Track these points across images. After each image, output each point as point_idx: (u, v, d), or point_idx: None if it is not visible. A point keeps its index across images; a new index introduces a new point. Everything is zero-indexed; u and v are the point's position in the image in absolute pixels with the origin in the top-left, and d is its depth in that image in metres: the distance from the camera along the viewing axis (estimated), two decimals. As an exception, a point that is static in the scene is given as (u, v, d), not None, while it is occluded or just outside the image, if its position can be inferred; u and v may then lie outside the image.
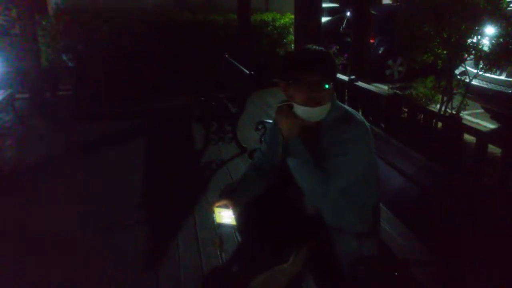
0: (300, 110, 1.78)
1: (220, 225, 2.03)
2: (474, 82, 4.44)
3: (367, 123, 1.84)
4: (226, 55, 5.58)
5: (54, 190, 3.75)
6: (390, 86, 5.43)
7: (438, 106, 4.43)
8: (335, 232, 1.91)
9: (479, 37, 3.93)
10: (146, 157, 4.58)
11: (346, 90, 4.99)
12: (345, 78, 4.97)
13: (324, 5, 10.17)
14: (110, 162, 4.42)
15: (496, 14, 3.81)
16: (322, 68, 1.74)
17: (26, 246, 2.87)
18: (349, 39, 7.90)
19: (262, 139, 4.17)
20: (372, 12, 8.84)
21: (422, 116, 4.22)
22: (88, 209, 3.37)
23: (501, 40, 3.78)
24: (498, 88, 4.99)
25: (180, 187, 3.82)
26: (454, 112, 4.26)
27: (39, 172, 4.17)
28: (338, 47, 7.49)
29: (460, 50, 4.06)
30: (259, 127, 4.42)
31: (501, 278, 1.86)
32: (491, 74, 4.45)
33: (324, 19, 9.27)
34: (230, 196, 2.02)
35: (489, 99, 5.22)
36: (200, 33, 7.80)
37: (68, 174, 4.12)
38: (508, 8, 4.01)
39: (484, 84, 5.08)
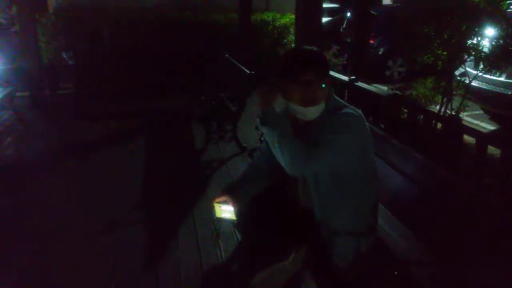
0: (294, 109, 1.80)
1: (220, 220, 2.06)
2: (474, 83, 4.45)
3: (363, 117, 1.83)
4: (227, 55, 5.59)
5: (53, 188, 3.75)
6: (390, 86, 5.46)
7: (438, 107, 4.45)
8: (334, 230, 1.92)
9: (479, 38, 3.94)
10: (146, 156, 4.58)
11: (346, 91, 5.00)
12: (345, 78, 4.97)
13: (325, 5, 10.17)
14: (110, 161, 4.42)
15: (496, 16, 3.83)
16: (316, 68, 1.77)
17: (24, 245, 2.87)
18: (349, 40, 7.91)
19: (262, 139, 4.20)
20: (372, 12, 8.86)
21: (421, 117, 4.22)
22: (88, 207, 3.37)
23: (501, 41, 3.79)
24: (498, 89, 5.01)
25: (180, 186, 3.82)
26: (453, 113, 4.28)
27: (38, 170, 4.16)
28: (338, 47, 7.49)
29: (460, 51, 4.08)
30: (259, 126, 4.42)
31: (501, 279, 1.87)
32: (491, 75, 4.48)
33: (324, 20, 9.29)
34: (231, 193, 2.05)
35: (489, 101, 5.24)
36: (201, 32, 7.81)
37: (68, 172, 4.11)
38: (508, 10, 4.03)
39: (483, 86, 5.10)
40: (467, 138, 3.64)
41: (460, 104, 4.30)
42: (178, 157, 4.56)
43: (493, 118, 5.74)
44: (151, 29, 7.58)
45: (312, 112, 1.80)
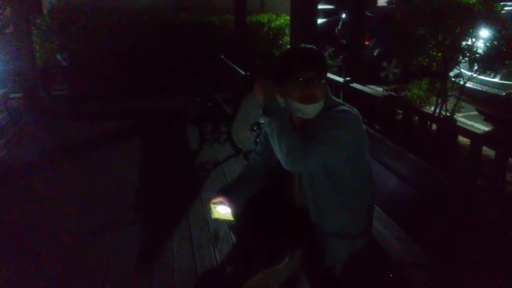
0: (294, 107, 1.81)
1: (217, 221, 2.07)
2: (469, 84, 4.46)
3: (359, 116, 1.83)
4: (222, 56, 5.58)
5: (47, 190, 3.72)
6: (385, 87, 5.45)
7: (433, 108, 4.45)
8: (329, 232, 1.91)
9: (473, 39, 3.95)
10: (141, 157, 4.57)
11: (341, 92, 5.00)
12: (340, 79, 4.97)
13: (320, 6, 10.20)
14: (104, 162, 4.40)
15: (491, 17, 3.83)
16: (316, 65, 1.78)
17: (18, 246, 2.85)
18: (344, 41, 7.93)
19: (257, 140, 4.19)
20: (368, 14, 8.88)
21: (416, 118, 4.23)
22: (82, 209, 3.35)
23: (496, 42, 3.80)
24: (492, 90, 5.02)
25: (174, 188, 3.80)
26: (448, 114, 4.28)
27: (32, 172, 4.14)
28: (333, 48, 7.49)
29: (454, 52, 4.08)
30: (254, 128, 4.42)
31: (496, 280, 1.87)
32: (485, 76, 4.48)
33: (319, 21, 9.30)
34: (226, 194, 2.06)
35: (483, 102, 5.25)
36: (196, 33, 7.80)
37: (62, 174, 4.09)
38: (503, 11, 4.04)
39: (478, 87, 5.11)
40: (461, 139, 3.64)
41: (455, 105, 4.30)
42: (173, 159, 4.55)
43: (487, 119, 5.75)
44: (146, 30, 7.57)
45: (311, 110, 1.80)
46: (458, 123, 3.87)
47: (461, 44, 4.01)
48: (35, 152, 4.68)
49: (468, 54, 4.00)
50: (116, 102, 6.76)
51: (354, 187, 1.88)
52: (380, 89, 5.84)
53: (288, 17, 7.84)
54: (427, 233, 2.28)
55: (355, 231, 1.92)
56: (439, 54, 4.14)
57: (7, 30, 6.86)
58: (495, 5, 3.91)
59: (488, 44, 3.86)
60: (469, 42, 3.98)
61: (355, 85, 4.80)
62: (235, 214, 2.02)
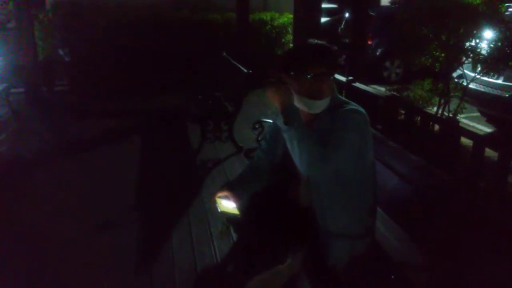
0: (302, 102, 1.80)
1: (223, 214, 2.08)
2: (471, 85, 4.45)
3: (367, 115, 1.83)
4: (224, 54, 5.56)
5: (47, 186, 3.72)
6: (388, 87, 5.44)
7: (435, 108, 4.44)
8: (332, 232, 1.90)
9: (477, 40, 3.93)
10: (142, 155, 4.56)
11: (344, 91, 4.98)
12: (343, 79, 4.96)
13: (323, 5, 10.16)
14: (105, 160, 4.39)
15: (495, 18, 3.82)
16: (327, 61, 1.79)
17: (16, 244, 2.84)
18: (347, 40, 7.90)
19: (259, 138, 4.18)
20: (371, 13, 8.84)
21: (419, 118, 4.22)
22: (82, 207, 3.34)
23: (499, 44, 3.78)
24: (495, 92, 5.01)
25: (175, 186, 3.80)
26: (451, 115, 4.27)
27: (32, 168, 4.13)
28: (336, 48, 7.47)
29: (458, 53, 4.07)
30: (256, 126, 4.41)
31: (497, 281, 1.86)
32: (488, 78, 4.47)
33: (322, 20, 9.26)
34: (231, 189, 2.06)
35: (486, 103, 5.23)
36: (198, 31, 7.78)
37: (62, 171, 4.08)
38: (507, 12, 4.02)
39: (481, 88, 5.09)
40: (464, 140, 3.64)
41: (458, 106, 4.29)
42: (174, 157, 4.54)
43: (490, 120, 5.74)
44: (149, 27, 7.54)
45: (318, 106, 1.81)
46: (461, 124, 3.86)
47: (464, 44, 4.00)
48: (36, 147, 4.67)
49: (471, 55, 3.99)
50: (118, 99, 6.75)
51: (359, 187, 1.87)
52: (382, 89, 5.83)
53: (291, 16, 7.82)
54: (428, 233, 2.27)
55: (357, 231, 1.91)
56: (442, 55, 4.13)
57: (9, 25, 6.86)
58: (499, 6, 3.90)
59: (491, 45, 3.84)
60: (473, 43, 3.97)
61: (357, 84, 4.80)
62: (239, 209, 2.02)
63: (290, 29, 8.51)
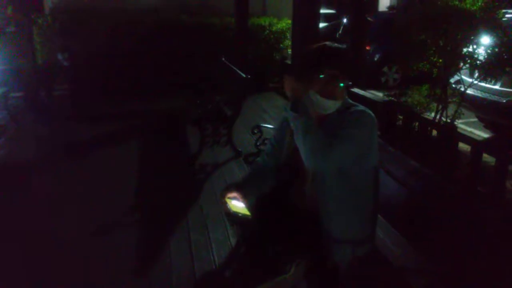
0: (314, 100, 1.85)
1: (235, 215, 2.04)
2: (469, 91, 4.47)
3: (374, 117, 1.86)
4: (223, 59, 5.58)
5: (45, 191, 3.71)
6: (385, 93, 5.45)
7: (433, 114, 4.46)
8: (334, 237, 1.90)
9: (474, 46, 3.95)
10: (140, 159, 4.55)
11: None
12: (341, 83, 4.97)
13: (321, 11, 10.20)
14: (103, 164, 4.39)
15: (492, 24, 3.84)
16: (342, 63, 1.86)
17: (13, 247, 2.84)
18: (345, 46, 7.93)
19: (258, 143, 4.18)
20: (369, 19, 8.88)
21: (417, 124, 4.23)
22: (80, 211, 3.34)
23: (497, 49, 3.81)
24: (493, 97, 5.02)
25: (173, 190, 3.79)
26: (448, 120, 4.28)
27: (31, 172, 4.12)
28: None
29: (455, 58, 4.09)
30: (255, 131, 4.41)
31: (495, 285, 1.87)
32: (486, 83, 4.48)
33: (320, 25, 9.29)
34: (238, 189, 2.06)
35: (484, 109, 5.25)
36: (197, 36, 7.80)
37: (61, 174, 4.08)
38: (504, 18, 4.05)
39: (478, 94, 5.11)
40: (461, 145, 3.65)
41: (455, 112, 4.30)
42: (172, 161, 4.54)
43: (487, 126, 5.76)
44: (148, 32, 7.56)
45: (330, 106, 1.86)
46: (459, 130, 3.88)
47: (462, 50, 4.02)
48: (35, 151, 4.67)
49: (469, 61, 4.01)
50: (117, 103, 6.76)
51: (361, 190, 1.89)
52: (380, 94, 5.85)
53: (290, 21, 7.86)
54: (427, 239, 2.27)
55: (358, 237, 1.92)
56: (440, 60, 4.15)
57: (8, 29, 6.86)
58: (497, 12, 3.92)
59: (489, 51, 3.87)
60: (470, 49, 3.99)
61: (355, 89, 4.81)
62: (249, 210, 2.02)
63: (288, 34, 8.54)
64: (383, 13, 12.50)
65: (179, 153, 4.77)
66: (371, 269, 1.96)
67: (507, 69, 3.85)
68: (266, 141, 3.74)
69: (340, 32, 10.22)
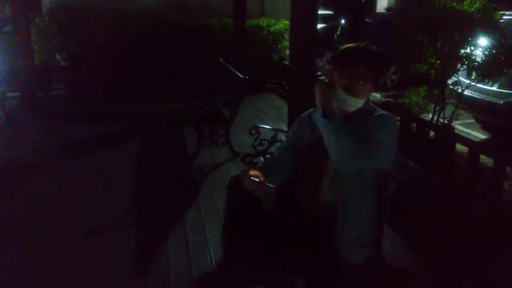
0: (339, 94, 1.89)
1: (261, 183, 1.95)
2: (466, 92, 4.48)
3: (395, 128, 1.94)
4: (221, 59, 5.57)
5: (42, 191, 3.69)
6: (383, 94, 5.47)
7: (431, 115, 4.47)
8: (345, 240, 1.90)
9: (472, 47, 3.97)
10: (138, 159, 4.55)
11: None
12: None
13: (319, 12, 10.21)
14: (101, 164, 4.38)
15: (490, 26, 3.86)
16: (369, 63, 1.89)
17: (10, 248, 2.83)
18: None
19: (256, 144, 4.18)
20: (366, 20, 8.91)
21: (414, 125, 4.24)
22: (78, 211, 3.33)
23: (494, 51, 3.82)
24: (490, 99, 5.04)
25: (171, 191, 3.79)
26: (446, 121, 4.30)
27: (28, 173, 4.11)
28: (332, 54, 7.49)
29: (453, 60, 4.11)
30: (253, 131, 4.41)
31: (493, 287, 1.87)
32: (483, 84, 4.50)
33: (318, 26, 9.31)
34: (262, 171, 2.02)
35: (481, 110, 5.27)
36: (195, 36, 7.79)
37: (58, 175, 4.06)
38: (501, 20, 4.06)
39: (476, 95, 5.13)
40: (459, 146, 3.65)
41: (453, 113, 4.32)
42: (170, 162, 4.53)
43: (484, 127, 5.78)
44: (145, 32, 7.54)
45: (354, 103, 1.90)
46: (456, 131, 3.88)
47: (459, 52, 4.04)
48: (32, 152, 4.65)
49: (466, 62, 4.02)
50: (114, 103, 6.74)
51: (378, 195, 1.90)
52: (378, 95, 5.86)
53: (288, 22, 7.84)
54: (425, 240, 2.27)
55: (365, 241, 1.91)
56: (438, 62, 4.16)
57: (5, 29, 6.84)
58: (494, 13, 3.94)
59: (486, 52, 3.88)
60: (468, 50, 4.00)
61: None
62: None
63: (286, 35, 8.54)
64: (381, 14, 12.55)
65: (176, 154, 4.76)
66: (371, 269, 1.95)
67: (505, 70, 3.87)
68: (263, 142, 3.74)
69: (338, 33, 10.24)
